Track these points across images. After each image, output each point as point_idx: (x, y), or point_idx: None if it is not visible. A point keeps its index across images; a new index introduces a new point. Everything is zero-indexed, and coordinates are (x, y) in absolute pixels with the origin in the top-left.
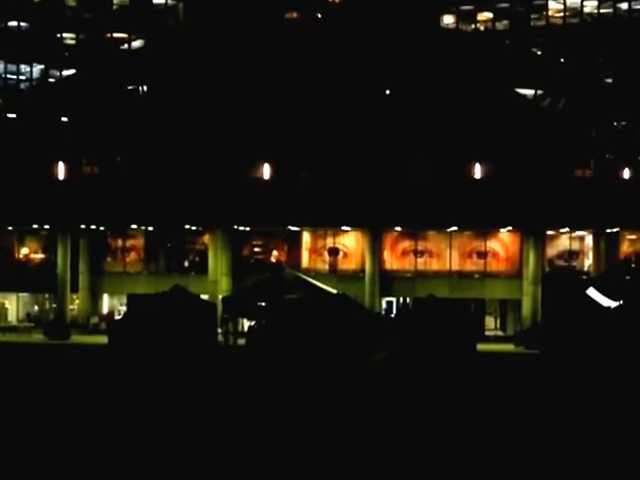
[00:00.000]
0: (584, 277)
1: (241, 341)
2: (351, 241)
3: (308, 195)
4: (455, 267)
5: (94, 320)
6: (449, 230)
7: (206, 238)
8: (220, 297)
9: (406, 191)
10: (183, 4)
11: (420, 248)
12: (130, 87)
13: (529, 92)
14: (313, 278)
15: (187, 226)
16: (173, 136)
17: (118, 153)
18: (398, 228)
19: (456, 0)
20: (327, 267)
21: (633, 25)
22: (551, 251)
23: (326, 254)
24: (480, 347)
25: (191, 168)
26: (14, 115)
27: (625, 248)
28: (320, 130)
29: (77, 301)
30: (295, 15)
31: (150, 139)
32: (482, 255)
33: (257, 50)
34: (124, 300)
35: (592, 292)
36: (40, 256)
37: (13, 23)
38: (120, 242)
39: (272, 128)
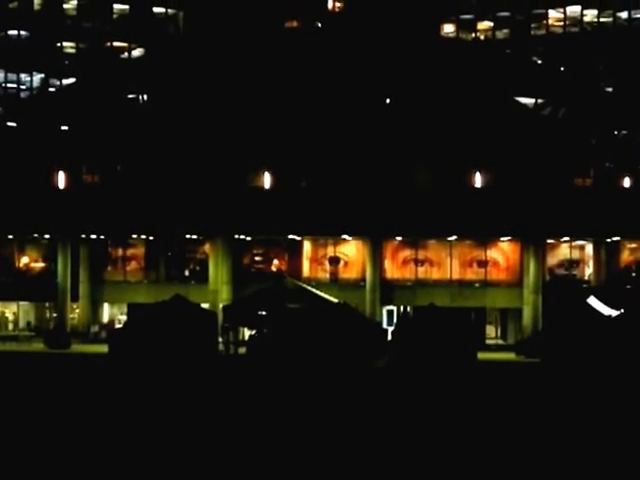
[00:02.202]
0: (585, 286)
1: (242, 350)
2: (352, 250)
3: (309, 204)
4: (456, 276)
5: (94, 329)
6: (449, 239)
7: (207, 247)
8: (221, 306)
9: (407, 200)
10: (183, 13)
11: (421, 257)
12: (130, 96)
13: (529, 101)
14: (314, 287)
15: (187, 235)
16: (173, 145)
17: (118, 162)
18: (399, 237)
19: (456, 9)
20: (328, 276)
21: (633, 34)
22: (551, 260)
23: (327, 263)
24: (481, 356)
25: (191, 177)
26: (14, 124)
27: (625, 257)
28: (321, 139)
29: (77, 310)
30: (295, 24)
31: (150, 148)
32: (482, 264)
33: (257, 59)
34: (124, 309)
35: (593, 301)
36: (40, 265)
37: (13, 32)
38: (120, 251)
39: (273, 137)
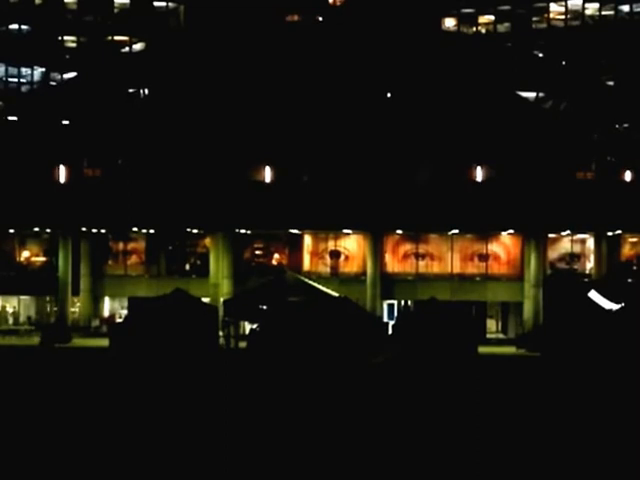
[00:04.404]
0: (585, 280)
1: (242, 344)
2: (352, 244)
3: (309, 198)
4: (456, 270)
5: (95, 323)
6: (450, 233)
7: (207, 241)
8: (221, 300)
9: (407, 194)
10: (184, 7)
11: (421, 251)
12: (131, 90)
13: (531, 95)
14: (314, 281)
15: (188, 229)
16: (174, 139)
17: (119, 156)
18: (399, 231)
19: (457, 3)
20: (328, 270)
21: (634, 27)
22: (552, 254)
23: (327, 257)
24: (481, 350)
25: (192, 171)
26: (15, 118)
27: (626, 251)
28: (321, 133)
29: (78, 304)
30: (296, 18)
31: (151, 142)
32: (483, 258)
33: (258, 53)
34: (125, 303)
35: (593, 295)
36: (41, 259)
37: (14, 26)
38: (121, 245)
39: (273, 131)
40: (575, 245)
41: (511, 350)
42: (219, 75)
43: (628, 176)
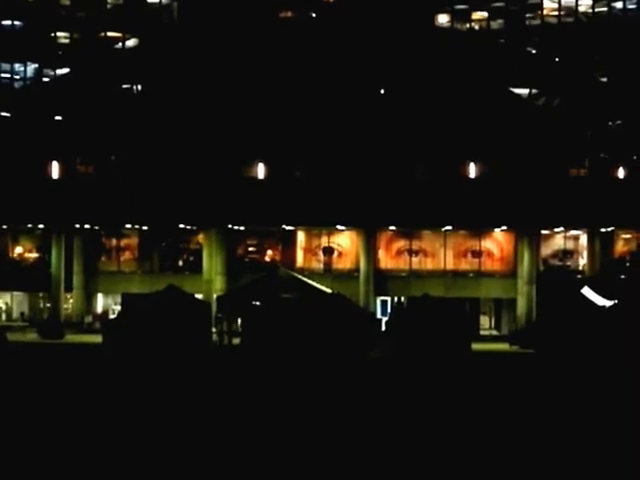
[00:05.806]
0: (579, 276)
1: (236, 340)
2: (346, 240)
3: (303, 194)
4: (450, 266)
5: (88, 319)
6: (444, 229)
7: (200, 237)
8: (215, 296)
9: (401, 190)
10: (177, 3)
11: (415, 247)
12: (124, 86)
13: (524, 91)
14: (308, 277)
15: (181, 225)
16: (168, 135)
17: (112, 152)
18: (393, 227)
19: None
20: (322, 266)
21: (628, 24)
22: (546, 250)
23: (321, 253)
24: (475, 346)
25: (185, 167)
26: (8, 114)
27: (619, 247)
28: (315, 129)
29: (71, 300)
30: (289, 14)
31: (145, 138)
32: (477, 254)
33: (251, 49)
34: (118, 299)
35: (587, 291)
36: (34, 255)
37: (7, 22)
38: (114, 241)
39: (267, 127)
40: (568, 242)
41: (504, 347)
42: (212, 71)
43: (621, 173)
